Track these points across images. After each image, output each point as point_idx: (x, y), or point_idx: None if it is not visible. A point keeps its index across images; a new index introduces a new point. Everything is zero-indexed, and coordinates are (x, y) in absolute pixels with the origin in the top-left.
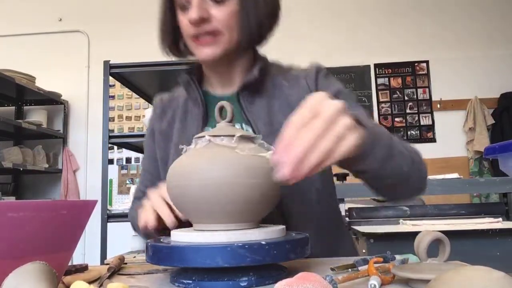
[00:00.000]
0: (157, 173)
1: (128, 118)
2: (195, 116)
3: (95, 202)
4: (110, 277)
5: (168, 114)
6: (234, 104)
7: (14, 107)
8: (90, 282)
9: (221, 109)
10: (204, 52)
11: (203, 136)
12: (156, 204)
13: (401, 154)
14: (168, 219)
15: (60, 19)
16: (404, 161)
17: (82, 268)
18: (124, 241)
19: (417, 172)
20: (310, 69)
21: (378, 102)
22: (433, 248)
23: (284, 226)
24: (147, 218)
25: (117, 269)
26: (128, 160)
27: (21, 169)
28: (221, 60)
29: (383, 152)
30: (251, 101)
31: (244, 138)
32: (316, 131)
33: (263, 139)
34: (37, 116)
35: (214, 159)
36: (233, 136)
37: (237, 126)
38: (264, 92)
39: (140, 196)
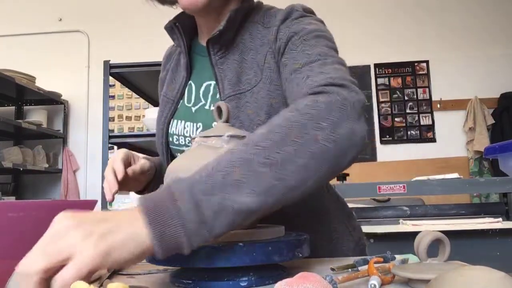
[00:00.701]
0: None
1: (128, 118)
2: (182, 66)
3: (95, 202)
4: (110, 277)
5: (168, 63)
6: (206, 58)
7: (14, 107)
8: (90, 282)
9: (220, 108)
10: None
11: (222, 136)
12: (106, 175)
13: (242, 184)
14: (107, 193)
15: (60, 19)
16: (257, 186)
17: None
18: None
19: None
20: (282, 13)
21: (378, 102)
22: (433, 248)
23: (283, 227)
24: (105, 190)
25: (117, 269)
26: None
27: (21, 169)
28: (206, 8)
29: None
30: (222, 55)
31: (234, 137)
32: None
33: (228, 101)
34: (37, 116)
35: (196, 160)
36: (221, 136)
37: (211, 82)
38: (239, 44)
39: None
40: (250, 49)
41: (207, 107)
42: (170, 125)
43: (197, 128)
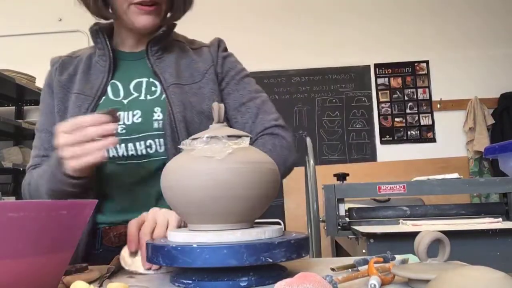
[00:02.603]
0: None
1: None
2: (100, 68)
3: (94, 202)
4: (110, 277)
5: (69, 68)
6: (143, 60)
7: (14, 107)
8: (90, 282)
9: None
10: (146, 19)
11: (201, 137)
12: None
13: None
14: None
15: (60, 19)
16: None
17: (82, 268)
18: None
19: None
20: (213, 42)
21: (378, 102)
22: (433, 248)
23: (280, 226)
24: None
25: (117, 269)
26: None
27: (21, 169)
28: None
29: None
30: (160, 57)
31: (214, 138)
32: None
33: (172, 88)
34: (37, 116)
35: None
36: (201, 137)
37: (142, 79)
38: (173, 52)
39: (38, 163)
40: (182, 57)
41: (142, 98)
42: None
43: (133, 115)
